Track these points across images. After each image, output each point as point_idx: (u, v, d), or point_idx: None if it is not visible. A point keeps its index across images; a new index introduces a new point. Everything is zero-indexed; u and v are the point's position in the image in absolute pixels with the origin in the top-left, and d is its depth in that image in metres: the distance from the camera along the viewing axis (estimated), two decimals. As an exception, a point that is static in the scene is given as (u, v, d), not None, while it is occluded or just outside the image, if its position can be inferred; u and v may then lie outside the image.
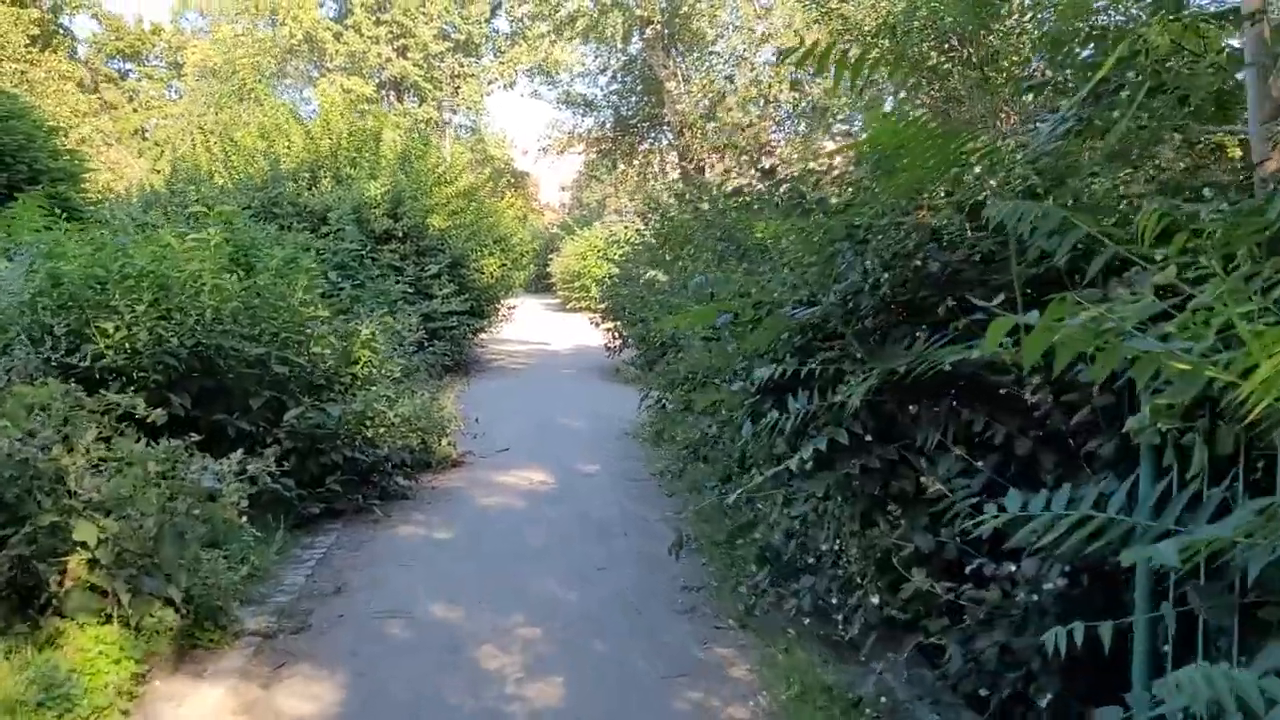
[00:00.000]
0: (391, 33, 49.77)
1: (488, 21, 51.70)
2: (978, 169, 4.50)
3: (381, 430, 8.94)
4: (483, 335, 19.49)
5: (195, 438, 6.43)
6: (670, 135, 36.48)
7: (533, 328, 24.66)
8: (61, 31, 33.39)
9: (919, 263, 4.44)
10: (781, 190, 5.35)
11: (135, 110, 46.47)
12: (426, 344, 12.22)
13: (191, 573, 5.43)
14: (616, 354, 17.63)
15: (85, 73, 39.77)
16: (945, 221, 4.51)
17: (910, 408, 4.32)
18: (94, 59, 47.93)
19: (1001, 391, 4.29)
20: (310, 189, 16.74)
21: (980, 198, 4.56)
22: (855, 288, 4.59)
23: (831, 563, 5.03)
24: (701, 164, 34.51)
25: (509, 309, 20.80)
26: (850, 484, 4.69)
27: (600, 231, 29.24)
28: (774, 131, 34.43)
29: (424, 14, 49.90)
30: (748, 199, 5.68)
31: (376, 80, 50.08)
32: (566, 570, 6.88)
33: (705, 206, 6.60)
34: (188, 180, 17.41)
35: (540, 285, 34.76)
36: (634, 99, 37.15)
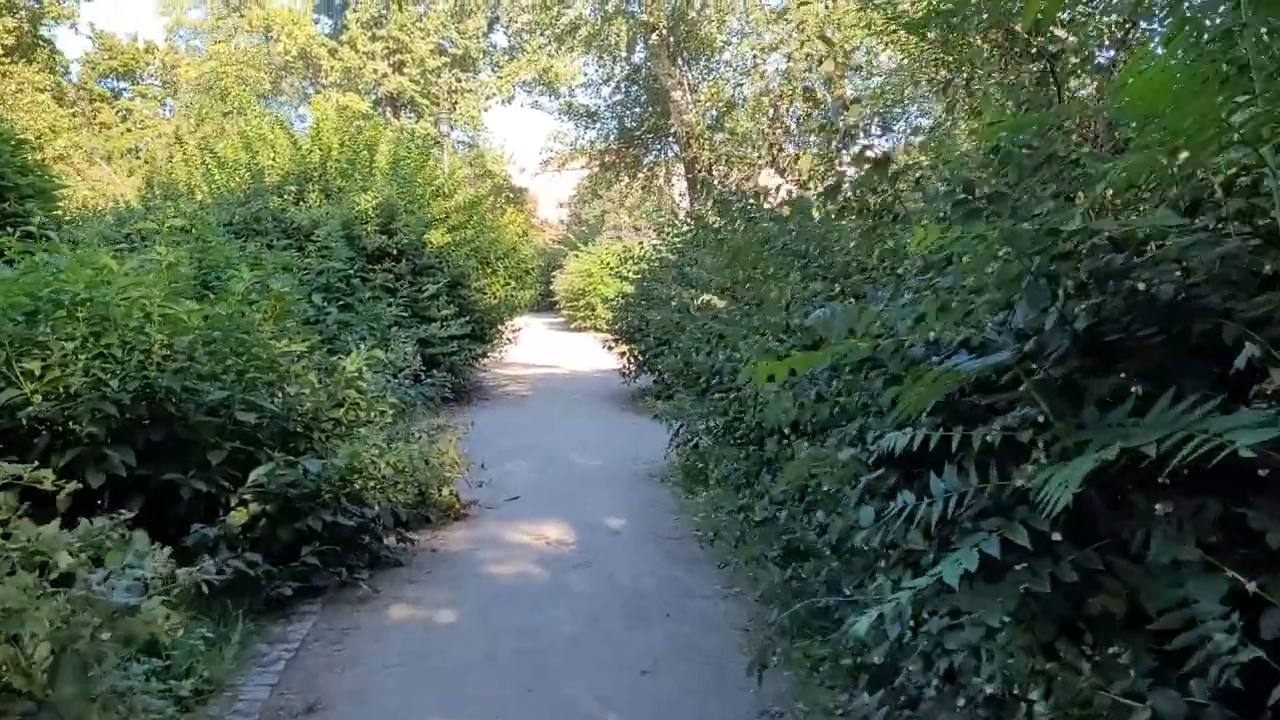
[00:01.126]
0: (387, 48, 48.93)
1: (485, 36, 50.88)
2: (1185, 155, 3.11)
3: (370, 484, 7.53)
4: (485, 360, 18.04)
5: (126, 515, 5.01)
6: (676, 147, 35.27)
7: (538, 349, 23.18)
8: (42, 44, 32.09)
9: (1140, 285, 3.04)
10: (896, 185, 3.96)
11: (129, 129, 45.29)
12: (424, 374, 10.81)
13: (106, 710, 4.02)
14: (631, 380, 16.21)
15: (70, 87, 38.48)
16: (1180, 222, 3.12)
17: (1158, 504, 2.90)
18: (87, 77, 46.86)
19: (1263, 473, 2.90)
20: (298, 203, 15.36)
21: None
22: (1037, 323, 3.19)
23: (989, 700, 3.61)
24: (710, 173, 33.25)
25: (513, 331, 19.34)
26: (1028, 603, 3.28)
27: (611, 247, 27.83)
28: (787, 142, 33.16)
29: (420, 29, 49.09)
30: (847, 203, 4.29)
31: (373, 97, 49.08)
32: (602, 673, 5.45)
33: (785, 212, 5.23)
34: (164, 196, 16.05)
35: (543, 304, 33.36)
36: (638, 110, 35.98)
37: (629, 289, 16.22)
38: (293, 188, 15.52)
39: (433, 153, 18.17)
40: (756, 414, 5.34)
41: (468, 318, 15.62)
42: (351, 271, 12.48)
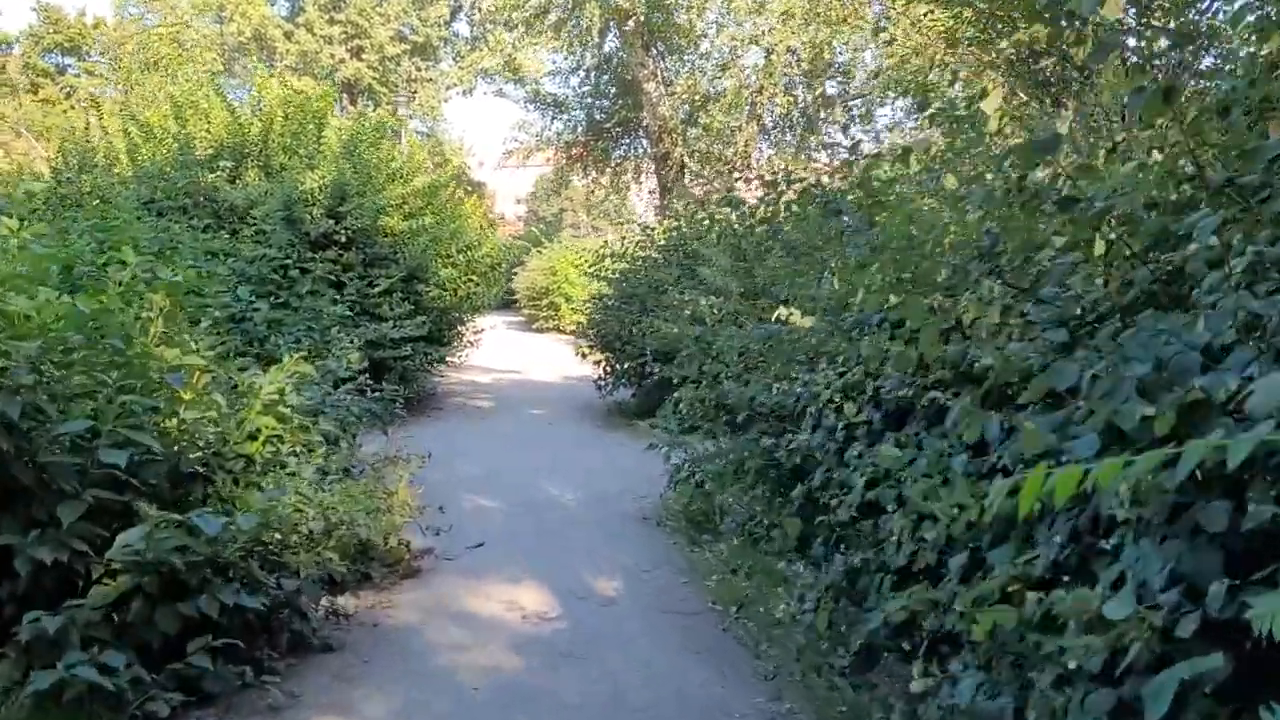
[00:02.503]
0: (345, 33, 46.93)
1: (447, 24, 49.10)
2: None
3: (294, 540, 5.71)
4: (442, 365, 16.06)
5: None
6: (647, 142, 33.58)
7: (499, 351, 21.09)
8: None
9: None
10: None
11: (73, 107, 42.89)
12: (370, 387, 8.94)
13: None
14: (608, 393, 14.41)
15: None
16: None
17: None
18: (30, 51, 44.67)
19: None
20: (234, 181, 13.43)
21: None
22: None
23: None
24: (681, 171, 31.70)
25: (475, 334, 17.35)
26: None
27: (582, 243, 25.97)
28: (762, 140, 31.58)
29: (380, 14, 47.18)
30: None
31: (329, 83, 46.96)
32: None
33: (949, 184, 3.53)
34: (80, 167, 14.08)
35: (502, 301, 31.41)
36: (607, 102, 34.27)
37: (607, 290, 14.47)
38: (228, 163, 13.59)
39: (390, 132, 16.22)
40: (859, 493, 3.60)
41: (424, 316, 13.74)
42: (289, 260, 10.56)
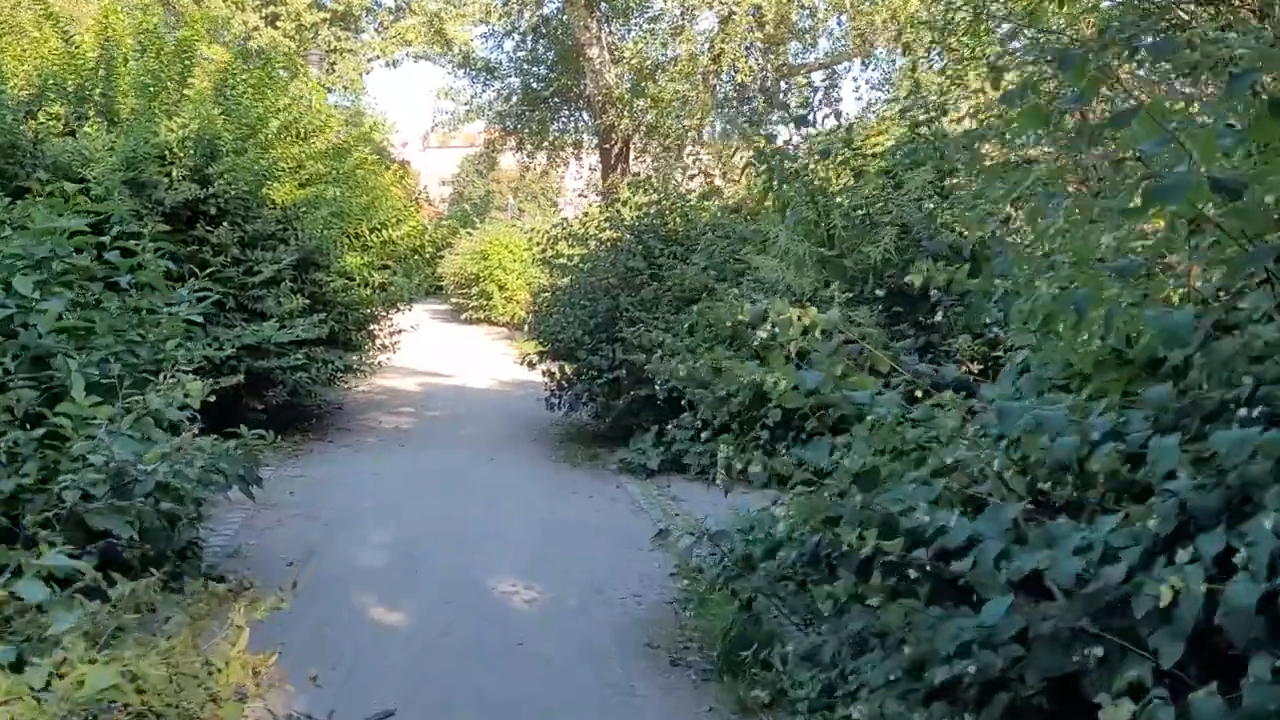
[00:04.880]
0: (260, -1, 43.12)
1: (370, -8, 45.63)
2: None
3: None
4: (348, 373, 12.64)
5: None
6: (589, 114, 30.54)
7: (423, 348, 17.36)
8: None
9: None
10: None
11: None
12: (227, 433, 5.76)
13: None
14: (561, 411, 11.30)
15: None
16: None
17: None
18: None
19: None
20: (72, 133, 10.03)
21: None
22: None
23: None
24: (626, 148, 28.86)
25: (392, 335, 13.89)
26: None
27: (528, 224, 22.69)
28: (716, 114, 28.68)
29: (298, -22, 43.45)
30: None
31: (241, 50, 43.08)
32: None
33: None
34: None
35: (428, 288, 27.83)
36: (545, 69, 31.19)
37: (563, 280, 11.36)
38: (59, 107, 10.20)
39: (279, 72, 12.84)
40: None
41: (324, 313, 10.48)
42: (108, 237, 7.18)
